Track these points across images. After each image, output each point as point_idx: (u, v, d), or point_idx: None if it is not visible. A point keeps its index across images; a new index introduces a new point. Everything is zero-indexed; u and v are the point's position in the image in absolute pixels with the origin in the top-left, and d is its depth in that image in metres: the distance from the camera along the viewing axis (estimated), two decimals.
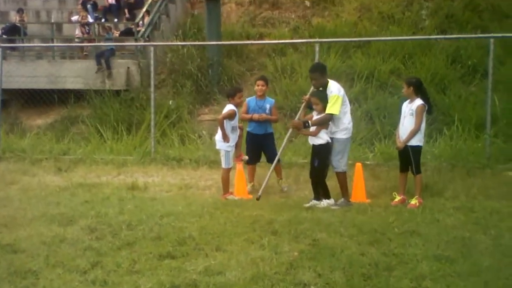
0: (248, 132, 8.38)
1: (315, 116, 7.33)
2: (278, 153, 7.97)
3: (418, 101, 7.32)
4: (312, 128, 7.28)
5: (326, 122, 7.20)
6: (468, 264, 4.92)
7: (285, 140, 7.81)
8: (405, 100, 7.60)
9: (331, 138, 7.29)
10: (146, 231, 5.98)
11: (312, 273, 4.75)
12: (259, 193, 7.38)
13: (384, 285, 4.51)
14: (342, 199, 7.39)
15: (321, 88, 7.39)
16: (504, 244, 5.50)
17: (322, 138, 7.24)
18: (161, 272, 4.78)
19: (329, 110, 7.16)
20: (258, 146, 8.34)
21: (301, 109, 7.70)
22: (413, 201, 7.18)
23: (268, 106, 8.39)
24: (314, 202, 7.30)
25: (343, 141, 7.36)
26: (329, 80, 7.42)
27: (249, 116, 8.34)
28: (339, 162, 7.35)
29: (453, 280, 4.58)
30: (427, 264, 4.93)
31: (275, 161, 7.83)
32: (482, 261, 4.98)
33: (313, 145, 7.35)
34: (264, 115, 8.28)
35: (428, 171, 8.56)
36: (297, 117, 7.70)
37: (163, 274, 4.71)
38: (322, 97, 7.28)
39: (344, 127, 7.35)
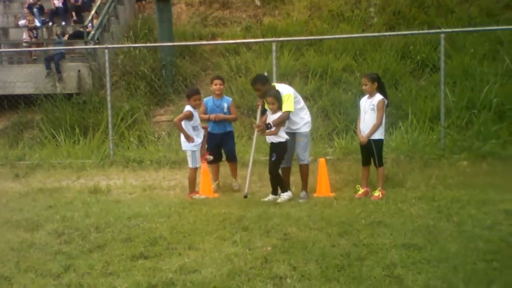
0: (208, 132, 8.38)
1: (270, 115, 7.42)
2: (251, 156, 7.80)
3: (378, 96, 7.49)
4: (273, 128, 7.38)
5: (285, 120, 7.44)
6: (436, 250, 5.08)
7: (253, 143, 7.79)
8: (364, 96, 7.78)
9: (295, 133, 7.54)
10: (116, 233, 5.93)
11: (287, 266, 4.82)
12: (246, 191, 7.34)
13: (358, 275, 4.60)
14: (304, 192, 7.67)
15: (277, 91, 7.53)
16: (467, 230, 5.69)
17: (282, 136, 7.39)
18: (136, 272, 4.75)
19: (285, 108, 7.40)
20: (218, 145, 8.38)
21: (258, 113, 7.75)
22: (377, 193, 7.36)
23: (225, 105, 8.43)
24: (272, 197, 7.46)
25: (307, 134, 7.68)
26: (274, 84, 7.82)
27: (206, 116, 8.38)
28: (305, 154, 7.66)
29: (423, 267, 4.71)
30: (397, 253, 5.06)
31: (250, 165, 7.66)
32: (449, 248, 5.15)
33: (272, 143, 7.46)
34: (220, 115, 8.31)
35: (387, 164, 8.73)
36: (257, 121, 7.74)
37: (138, 275, 4.68)
38: (278, 97, 7.41)
39: (306, 121, 7.65)
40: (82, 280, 4.60)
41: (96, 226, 6.18)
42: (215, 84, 8.48)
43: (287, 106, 7.41)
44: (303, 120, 7.62)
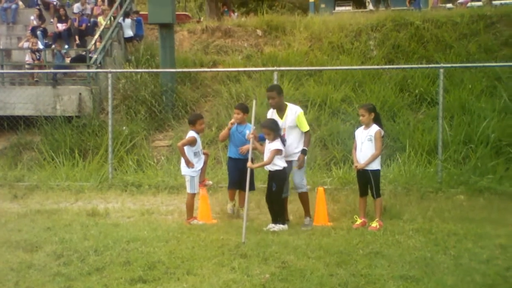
0: (229, 157, 8.41)
1: (267, 144, 7.48)
2: (247, 186, 7.83)
3: (375, 127, 7.60)
4: (266, 156, 7.47)
5: (309, 139, 7.77)
6: (433, 283, 5.13)
7: (248, 176, 7.78)
8: (359, 127, 7.89)
9: (291, 161, 7.59)
10: (114, 256, 5.95)
11: None
12: (243, 239, 6.75)
13: None
14: (308, 218, 7.72)
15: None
16: (464, 263, 5.74)
17: (279, 165, 7.44)
18: None
19: (306, 128, 7.63)
20: (239, 170, 8.24)
21: (250, 145, 7.73)
22: (374, 224, 7.40)
23: (247, 132, 8.44)
24: (272, 226, 7.42)
25: (304, 161, 7.69)
26: (287, 103, 7.75)
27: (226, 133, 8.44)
28: (302, 183, 7.71)
29: None
30: (394, 284, 5.11)
31: (246, 195, 7.73)
32: (445, 280, 5.20)
33: (270, 171, 7.52)
34: (246, 147, 8.07)
35: (384, 195, 8.82)
36: (249, 158, 7.68)
37: None
38: (272, 127, 7.46)
39: (300, 143, 7.68)
40: None
41: (94, 248, 6.20)
42: (235, 113, 8.53)
43: (304, 125, 7.60)
44: (300, 146, 7.66)
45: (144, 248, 6.25)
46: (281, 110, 7.68)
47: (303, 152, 7.57)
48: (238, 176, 8.16)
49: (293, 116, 7.59)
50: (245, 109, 8.51)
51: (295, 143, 7.62)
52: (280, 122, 7.58)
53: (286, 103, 7.77)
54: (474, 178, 9.64)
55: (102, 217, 8.21)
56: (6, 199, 9.58)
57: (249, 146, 7.87)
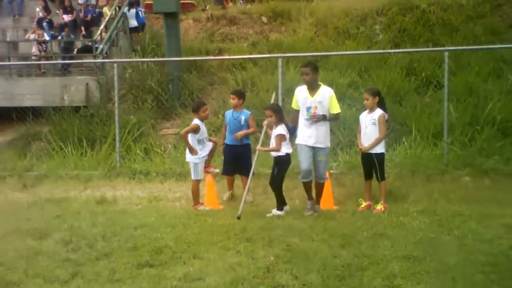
0: (225, 144, 8.52)
1: (273, 130, 7.52)
2: (251, 172, 7.97)
3: (379, 111, 7.64)
4: (272, 143, 7.49)
5: (337, 119, 7.84)
6: (436, 262, 5.18)
7: (253, 164, 7.88)
8: (364, 111, 7.92)
9: (314, 148, 7.41)
10: (122, 242, 6.06)
11: (289, 276, 4.92)
12: (239, 212, 7.19)
13: (358, 285, 4.71)
14: (312, 203, 7.62)
15: (272, 99, 7.66)
16: (468, 244, 5.79)
17: (282, 151, 7.47)
18: (141, 280, 4.87)
19: (336, 110, 7.49)
20: (234, 157, 8.43)
21: (263, 131, 7.83)
22: (379, 206, 7.46)
23: (243, 118, 8.52)
24: (276, 212, 7.46)
25: (329, 150, 7.69)
26: (321, 83, 7.55)
27: (224, 130, 8.69)
28: (325, 173, 7.61)
29: (422, 278, 4.82)
30: (397, 264, 5.16)
31: (249, 178, 7.85)
32: (448, 260, 5.24)
33: (274, 157, 7.57)
34: (240, 133, 8.39)
35: (390, 178, 8.87)
36: (259, 143, 7.80)
37: (144, 282, 4.80)
38: (274, 108, 7.56)
39: (327, 135, 7.56)
40: (89, 287, 4.73)
41: (103, 235, 6.32)
42: (231, 99, 8.67)
43: (335, 107, 7.45)
44: (328, 132, 7.56)
45: (152, 234, 6.35)
46: (313, 89, 7.44)
47: (325, 117, 7.36)
48: (232, 162, 8.31)
49: (325, 97, 7.40)
50: (240, 95, 8.61)
51: (322, 132, 7.44)
52: (310, 100, 7.38)
53: (320, 83, 7.56)
54: (480, 160, 9.65)
55: (110, 204, 8.32)
56: (16, 189, 9.73)
57: (244, 132, 8.19)
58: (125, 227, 6.64)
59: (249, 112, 8.72)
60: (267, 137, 7.92)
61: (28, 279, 4.95)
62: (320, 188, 7.64)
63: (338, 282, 4.76)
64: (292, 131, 7.63)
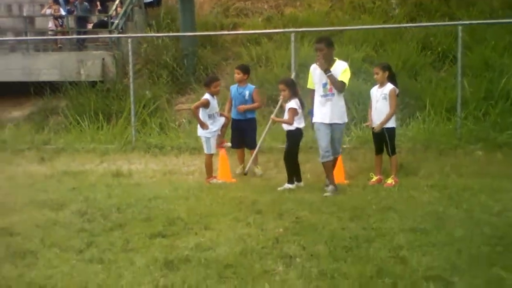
0: (231, 119, 8.64)
1: (286, 104, 7.58)
2: (259, 143, 8.17)
3: (390, 85, 7.66)
4: (285, 116, 7.57)
5: (340, 87, 7.22)
6: (442, 235, 5.25)
7: (266, 129, 8.06)
8: (375, 86, 7.94)
9: (331, 125, 7.29)
10: (136, 213, 6.22)
11: (297, 247, 5.03)
12: (246, 169, 7.85)
13: (365, 255, 4.79)
14: (333, 187, 7.27)
15: (292, 76, 7.59)
16: (476, 217, 5.84)
17: (294, 125, 7.55)
18: (154, 249, 5.01)
19: (342, 78, 7.21)
20: (240, 131, 8.61)
21: (278, 104, 7.93)
22: (390, 181, 7.53)
23: (247, 92, 8.64)
24: (288, 185, 7.54)
25: (344, 126, 7.63)
26: (336, 58, 7.40)
27: (229, 105, 8.77)
28: (340, 147, 7.59)
29: (428, 249, 4.88)
30: (404, 236, 5.24)
31: (257, 147, 8.06)
32: (455, 232, 5.30)
33: (286, 131, 7.65)
34: (242, 107, 8.52)
35: (402, 153, 8.94)
36: (274, 113, 7.91)
37: (156, 251, 4.93)
38: (288, 82, 7.62)
39: (344, 111, 7.47)
40: (103, 255, 4.87)
41: (117, 206, 6.49)
42: (235, 73, 8.76)
43: (344, 77, 7.22)
44: (344, 108, 7.48)
45: (165, 206, 6.51)
46: (328, 64, 7.25)
47: (329, 71, 7.12)
48: (238, 136, 8.45)
49: (339, 70, 7.24)
50: (245, 70, 8.70)
51: (338, 107, 7.31)
52: (325, 75, 7.21)
53: (336, 58, 7.40)
54: (493, 134, 9.66)
55: (125, 177, 8.48)
56: (34, 162, 9.95)
57: (248, 106, 8.41)
58: (139, 199, 6.80)
59: (253, 87, 8.81)
60: (282, 110, 7.98)
61: (45, 248, 5.11)
62: (335, 163, 7.54)
63: (344, 253, 4.85)
64: (311, 113, 7.52)
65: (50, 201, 6.82)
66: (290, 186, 7.48)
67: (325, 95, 7.26)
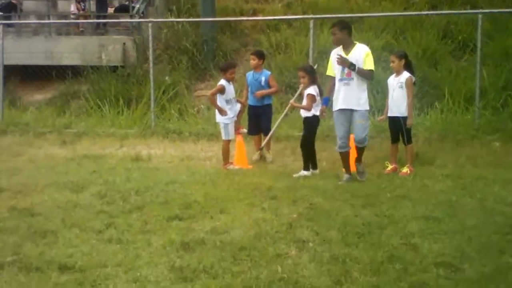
0: (248, 105, 8.74)
1: (305, 91, 7.64)
2: (274, 126, 8.31)
3: (406, 74, 7.68)
4: (304, 102, 7.65)
5: (369, 75, 7.11)
6: (454, 223, 5.33)
7: (283, 114, 8.18)
8: (392, 75, 7.96)
9: (352, 111, 7.12)
10: (154, 196, 6.38)
11: (310, 232, 5.14)
12: (262, 145, 8.22)
13: (376, 242, 4.89)
14: (360, 163, 7.35)
15: (309, 64, 7.60)
16: (488, 206, 5.91)
17: (311, 112, 7.62)
18: (171, 231, 5.16)
19: (369, 66, 7.04)
20: (256, 117, 8.71)
21: (298, 91, 8.01)
22: (405, 169, 7.58)
23: (263, 78, 8.72)
24: (303, 172, 7.63)
25: (364, 113, 7.18)
26: (356, 42, 7.28)
27: (246, 92, 8.91)
28: (365, 137, 7.20)
29: (439, 237, 4.97)
30: (416, 224, 5.32)
31: (272, 131, 8.31)
32: (467, 221, 5.38)
33: (303, 118, 7.72)
34: (259, 92, 8.62)
35: (419, 142, 8.98)
36: (293, 98, 8.04)
37: (173, 233, 5.09)
38: (307, 69, 7.70)
39: (363, 97, 7.15)
40: (121, 236, 5.03)
41: (136, 189, 6.65)
42: (251, 59, 8.87)
43: (369, 63, 7.02)
44: (364, 94, 7.15)
45: (182, 190, 6.66)
46: (347, 48, 7.11)
47: (354, 66, 6.96)
48: (255, 122, 8.57)
49: (361, 54, 7.05)
50: (260, 55, 8.77)
51: (355, 93, 7.07)
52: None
53: (355, 42, 7.28)
54: (511, 125, 9.61)
55: (144, 161, 8.64)
56: (55, 144, 10.16)
57: (265, 91, 8.52)
58: (157, 183, 6.96)
59: (269, 72, 8.91)
60: (301, 97, 8.03)
61: (65, 228, 5.29)
62: (360, 151, 7.30)
63: (357, 239, 4.95)
64: (325, 101, 7.47)
65: (70, 183, 7.01)
66: (305, 173, 7.57)
67: (341, 79, 7.10)
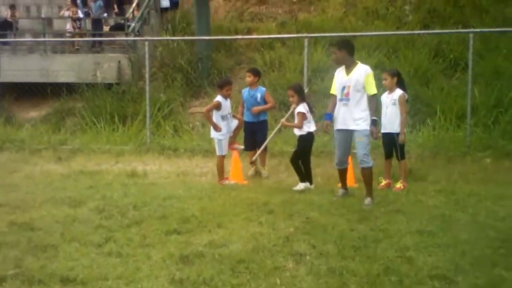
0: (244, 121, 8.85)
1: (295, 110, 7.75)
2: (266, 141, 8.43)
3: (399, 91, 7.83)
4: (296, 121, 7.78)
5: (374, 103, 6.92)
6: (448, 237, 5.42)
7: (275, 130, 8.30)
8: (384, 92, 8.10)
9: (352, 131, 6.96)
10: (152, 211, 6.44)
11: (307, 245, 5.22)
12: (253, 158, 8.39)
13: (372, 255, 4.97)
14: (369, 199, 6.91)
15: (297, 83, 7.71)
16: (481, 221, 6.01)
17: (304, 129, 7.74)
18: (169, 245, 5.22)
19: (373, 91, 6.85)
20: (252, 133, 8.83)
21: (290, 111, 8.12)
22: (398, 185, 7.70)
23: (259, 95, 8.88)
24: (301, 184, 7.72)
25: (367, 132, 6.91)
26: (357, 62, 7.06)
27: (241, 109, 9.05)
28: (366, 155, 6.95)
29: (434, 250, 5.06)
30: (411, 238, 5.42)
31: (263, 145, 8.45)
32: (460, 235, 5.48)
33: (299, 136, 7.83)
34: (255, 108, 8.76)
35: (411, 159, 9.11)
36: (285, 117, 8.15)
37: (172, 247, 5.15)
38: (296, 88, 7.83)
39: (366, 115, 6.90)
40: (121, 250, 5.09)
41: (134, 204, 6.71)
42: (246, 77, 9.03)
43: (371, 87, 6.82)
44: (364, 114, 6.89)
45: (179, 205, 6.73)
46: (348, 67, 6.94)
47: (373, 123, 6.85)
48: (251, 138, 8.74)
49: (361, 75, 6.82)
50: (256, 73, 8.94)
51: (353, 113, 6.87)
52: (345, 78, 6.90)
53: (357, 61, 7.06)
54: (502, 142, 9.79)
55: (140, 177, 8.71)
56: (51, 161, 10.21)
57: (261, 107, 8.74)
58: (154, 198, 7.02)
59: (264, 89, 9.08)
60: (293, 116, 8.17)
61: (65, 242, 5.34)
62: (365, 175, 6.98)
63: (353, 252, 5.03)
64: (329, 117, 7.24)
65: (68, 199, 7.06)
66: (304, 184, 7.66)
67: (341, 99, 6.99)
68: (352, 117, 6.88)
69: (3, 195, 7.41)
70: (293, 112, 8.01)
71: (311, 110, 7.81)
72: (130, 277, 4.44)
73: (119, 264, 4.73)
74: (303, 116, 7.67)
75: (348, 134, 7.01)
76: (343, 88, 6.96)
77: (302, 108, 7.69)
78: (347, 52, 6.96)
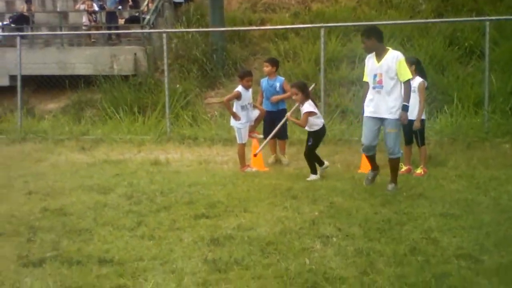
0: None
1: (301, 108, 7.79)
2: (274, 131, 8.45)
3: (418, 79, 7.89)
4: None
5: (408, 89, 6.78)
6: (471, 219, 5.53)
7: (281, 122, 8.36)
8: None
9: (382, 120, 6.87)
10: (178, 197, 6.61)
11: (333, 228, 5.36)
12: (257, 151, 8.32)
13: (397, 236, 5.10)
14: (393, 185, 6.95)
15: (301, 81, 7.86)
16: (503, 203, 6.13)
17: (317, 124, 7.80)
18: (199, 228, 5.39)
19: (406, 76, 6.74)
20: (271, 121, 8.92)
21: (296, 105, 8.15)
22: (419, 170, 7.81)
23: (278, 84, 9.00)
24: (313, 177, 7.79)
25: (396, 121, 6.83)
26: (388, 48, 6.98)
27: (260, 98, 9.20)
28: (396, 147, 6.92)
29: (458, 232, 5.17)
30: (435, 220, 5.53)
31: (270, 136, 8.47)
32: (483, 217, 5.59)
33: (312, 132, 7.86)
34: (276, 97, 8.89)
35: (430, 145, 9.19)
36: (290, 112, 8.22)
37: (201, 230, 5.31)
38: (300, 86, 7.86)
39: (400, 104, 6.77)
40: (153, 233, 5.26)
41: (160, 191, 6.89)
42: (264, 67, 9.16)
43: (404, 73, 6.72)
44: (398, 102, 6.77)
45: (204, 191, 6.88)
46: (379, 55, 6.83)
47: (404, 108, 6.72)
48: (271, 126, 8.76)
49: (393, 61, 6.72)
50: (273, 63, 9.05)
51: (386, 101, 6.76)
52: (376, 65, 6.80)
53: (388, 48, 6.99)
54: None
55: (164, 166, 8.87)
56: (75, 150, 10.40)
57: (280, 96, 8.84)
58: (180, 185, 7.19)
59: (283, 78, 9.20)
60: (298, 110, 8.23)
61: (98, 226, 5.52)
62: (392, 164, 7.01)
63: (378, 234, 5.16)
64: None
65: (96, 186, 7.25)
66: (314, 176, 7.73)
67: (374, 87, 6.86)
68: (386, 105, 6.77)
69: (33, 182, 7.63)
70: (298, 108, 8.08)
71: (315, 104, 7.91)
72: (165, 258, 4.61)
73: (153, 246, 4.90)
74: (310, 114, 7.70)
75: (379, 122, 6.90)
76: (375, 75, 6.85)
77: (308, 106, 7.72)
78: (376, 39, 6.87)
